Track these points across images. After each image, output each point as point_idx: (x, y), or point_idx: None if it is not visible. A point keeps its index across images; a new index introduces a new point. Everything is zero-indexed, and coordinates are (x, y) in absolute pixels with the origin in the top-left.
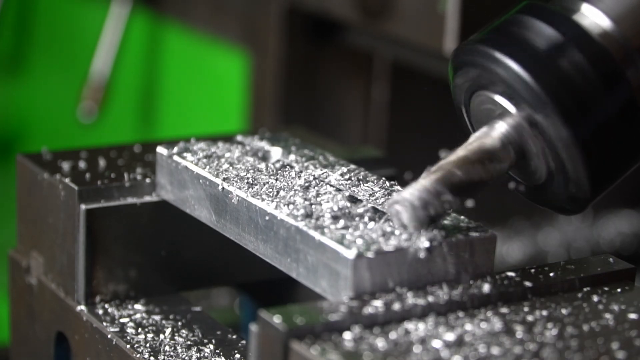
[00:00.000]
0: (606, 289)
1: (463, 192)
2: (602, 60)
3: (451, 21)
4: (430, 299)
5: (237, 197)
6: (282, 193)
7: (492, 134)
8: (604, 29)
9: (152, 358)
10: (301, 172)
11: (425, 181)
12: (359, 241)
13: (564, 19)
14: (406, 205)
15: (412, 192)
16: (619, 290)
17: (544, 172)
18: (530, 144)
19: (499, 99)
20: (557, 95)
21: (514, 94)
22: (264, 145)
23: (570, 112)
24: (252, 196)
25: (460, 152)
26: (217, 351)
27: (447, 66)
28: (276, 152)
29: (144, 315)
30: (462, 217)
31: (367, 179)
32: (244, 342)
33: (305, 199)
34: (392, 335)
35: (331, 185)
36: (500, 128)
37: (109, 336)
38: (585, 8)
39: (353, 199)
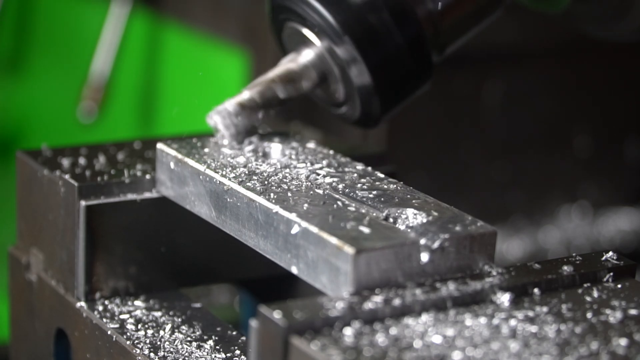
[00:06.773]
0: (607, 284)
1: (273, 105)
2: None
3: None
4: (431, 294)
5: (238, 193)
6: (282, 188)
7: (298, 60)
8: None
9: (152, 354)
10: (301, 168)
11: (241, 96)
12: (359, 237)
13: None
14: (222, 113)
15: (230, 103)
16: (619, 286)
17: (342, 93)
18: (330, 69)
19: (305, 31)
20: (351, 29)
21: (318, 28)
22: (265, 141)
23: (362, 43)
24: (252, 192)
25: (272, 73)
26: (217, 347)
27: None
28: (276, 149)
29: (144, 311)
30: (462, 212)
31: (367, 174)
32: (244, 338)
33: (306, 195)
34: (393, 330)
35: (331, 181)
36: (305, 55)
37: (109, 332)
38: None
39: (353, 195)
